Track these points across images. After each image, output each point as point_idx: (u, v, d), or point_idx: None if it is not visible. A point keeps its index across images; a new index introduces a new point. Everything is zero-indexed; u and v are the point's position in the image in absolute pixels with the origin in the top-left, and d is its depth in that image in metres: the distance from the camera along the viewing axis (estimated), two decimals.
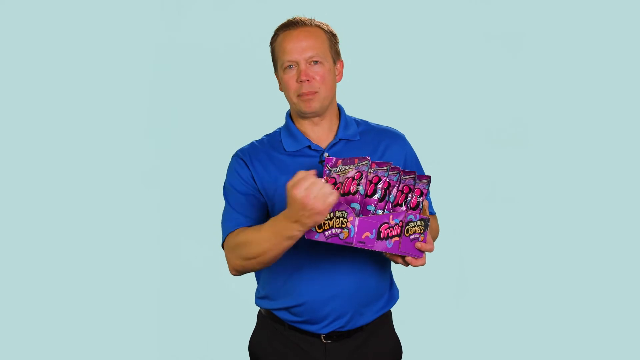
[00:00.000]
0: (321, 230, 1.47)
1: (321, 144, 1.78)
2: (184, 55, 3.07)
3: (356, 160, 1.49)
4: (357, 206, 1.49)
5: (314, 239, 1.48)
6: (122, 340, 3.05)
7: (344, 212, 1.46)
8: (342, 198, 1.49)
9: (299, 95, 1.72)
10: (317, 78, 1.72)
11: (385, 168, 1.53)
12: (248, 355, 1.90)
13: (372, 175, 1.52)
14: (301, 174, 1.41)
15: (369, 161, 1.49)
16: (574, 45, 3.09)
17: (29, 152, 3.02)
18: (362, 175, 1.49)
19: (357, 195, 1.49)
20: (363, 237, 1.46)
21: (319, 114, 1.76)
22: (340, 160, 1.51)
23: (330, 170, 1.52)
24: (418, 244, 1.57)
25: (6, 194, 3.00)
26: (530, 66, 3.10)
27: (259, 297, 1.85)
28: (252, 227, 1.63)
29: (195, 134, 3.08)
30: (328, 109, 1.78)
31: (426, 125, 3.01)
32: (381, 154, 1.78)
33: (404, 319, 2.04)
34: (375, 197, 1.53)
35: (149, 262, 3.09)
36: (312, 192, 1.40)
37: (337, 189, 1.49)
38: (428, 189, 1.60)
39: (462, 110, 3.12)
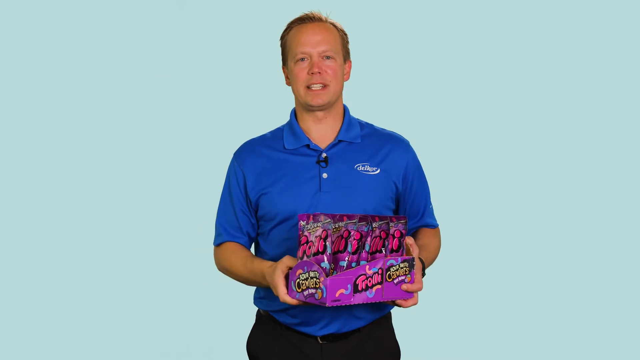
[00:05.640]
0: (300, 290, 1.50)
1: (321, 144, 1.78)
2: (184, 56, 3.07)
3: (322, 218, 1.50)
4: (326, 265, 1.49)
5: (295, 298, 1.52)
6: (122, 339, 3.07)
7: (316, 272, 1.46)
8: (313, 258, 1.50)
9: (307, 87, 1.73)
10: (329, 72, 1.73)
11: (354, 221, 1.53)
12: (246, 355, 1.91)
13: (342, 229, 1.53)
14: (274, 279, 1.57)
15: (331, 220, 1.50)
16: (574, 45, 3.08)
17: (29, 152, 3.03)
18: (327, 233, 1.50)
19: (325, 254, 1.49)
20: (337, 295, 1.45)
21: (324, 109, 1.76)
22: (312, 217, 1.52)
23: (303, 228, 1.53)
24: (404, 286, 1.56)
25: (6, 194, 3.01)
26: (530, 67, 3.09)
27: (258, 298, 1.87)
28: (238, 256, 1.77)
29: (195, 134, 3.08)
30: (334, 106, 1.78)
31: (426, 125, 3.00)
32: (382, 159, 1.78)
33: (403, 320, 2.04)
34: (347, 250, 1.53)
35: (149, 262, 3.10)
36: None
37: (309, 247, 1.51)
38: (407, 229, 1.60)
39: (463, 110, 3.11)
